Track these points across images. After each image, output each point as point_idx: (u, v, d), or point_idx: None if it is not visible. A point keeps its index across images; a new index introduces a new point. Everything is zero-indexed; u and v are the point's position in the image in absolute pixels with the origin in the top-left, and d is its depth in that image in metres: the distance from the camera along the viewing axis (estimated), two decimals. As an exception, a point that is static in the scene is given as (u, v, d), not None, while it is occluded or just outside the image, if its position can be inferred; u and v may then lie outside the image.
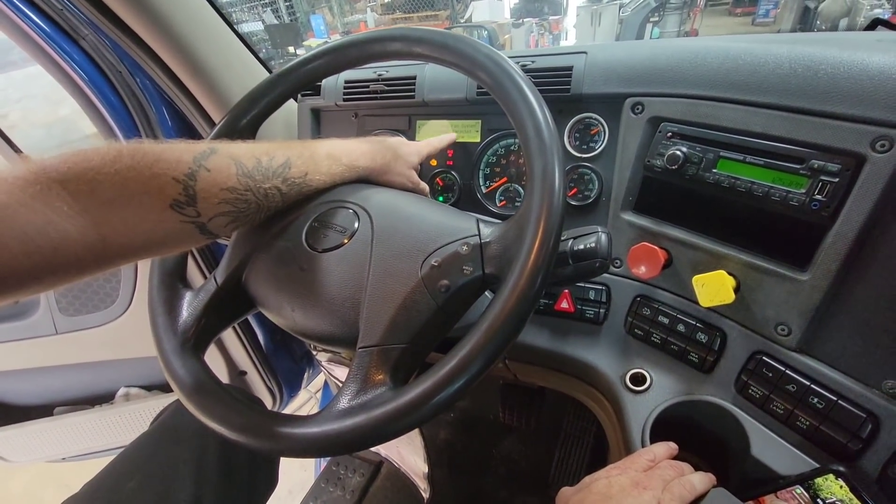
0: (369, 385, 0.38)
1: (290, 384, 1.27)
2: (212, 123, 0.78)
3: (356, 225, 0.46)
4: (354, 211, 0.47)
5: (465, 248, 0.41)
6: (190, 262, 0.95)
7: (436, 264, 0.41)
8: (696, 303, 0.52)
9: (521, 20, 6.65)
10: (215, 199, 0.40)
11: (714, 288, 0.48)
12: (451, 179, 0.71)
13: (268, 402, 1.26)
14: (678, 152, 0.51)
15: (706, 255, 0.52)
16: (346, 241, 0.45)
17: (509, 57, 0.45)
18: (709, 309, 0.52)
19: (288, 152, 0.46)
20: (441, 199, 0.72)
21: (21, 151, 0.95)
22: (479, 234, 0.42)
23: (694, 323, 0.54)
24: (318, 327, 0.44)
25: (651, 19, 6.38)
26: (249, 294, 0.49)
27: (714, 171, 0.49)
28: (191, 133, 0.85)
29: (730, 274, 0.49)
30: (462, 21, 6.81)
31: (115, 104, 0.83)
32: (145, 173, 0.36)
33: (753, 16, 7.83)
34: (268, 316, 0.48)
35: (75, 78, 0.82)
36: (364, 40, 0.50)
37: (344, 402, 0.37)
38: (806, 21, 5.77)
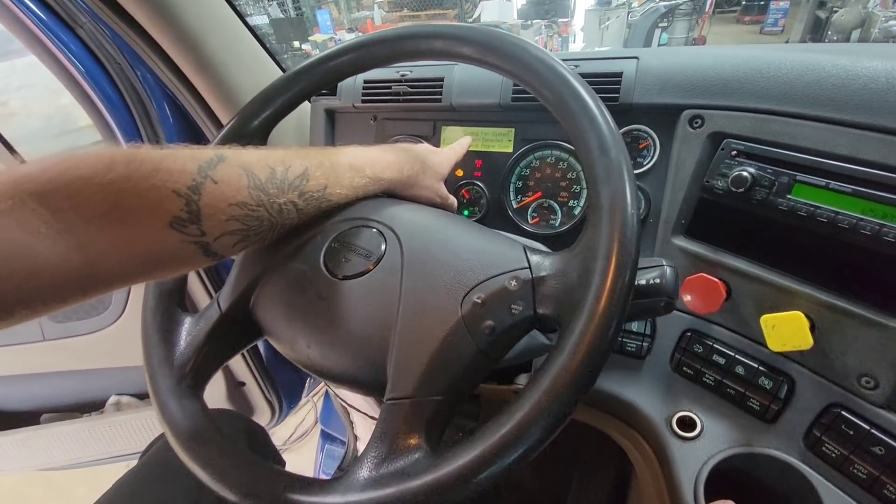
0: (401, 448, 0.32)
1: (290, 396, 1.21)
2: (218, 124, 0.72)
3: (383, 248, 0.40)
4: (380, 231, 0.41)
5: (513, 283, 0.35)
6: (193, 278, 0.88)
7: (479, 301, 0.35)
8: (759, 343, 0.47)
9: (529, 22, 6.60)
10: (222, 215, 0.34)
11: (788, 331, 0.43)
12: (479, 192, 0.65)
13: (266, 414, 1.20)
14: (745, 174, 0.45)
15: (773, 291, 0.46)
16: (371, 267, 0.39)
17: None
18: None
19: (306, 162, 0.40)
20: (466, 213, 0.66)
21: (16, 152, 0.89)
22: (530, 267, 0.36)
23: (756, 366, 0.48)
24: (337, 367, 0.38)
25: (660, 24, 6.35)
26: (257, 321, 0.43)
27: (788, 196, 0.44)
28: (195, 132, 0.78)
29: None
30: (470, 21, 6.75)
31: (113, 99, 0.76)
32: (142, 185, 0.31)
33: (762, 24, 7.80)
34: (277, 348, 0.42)
35: (71, 69, 0.76)
36: (396, 37, 0.44)
37: (371, 469, 0.31)
38: (816, 31, 5.73)
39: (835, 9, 5.09)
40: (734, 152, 0.48)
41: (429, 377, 0.34)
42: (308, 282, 0.40)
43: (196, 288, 0.90)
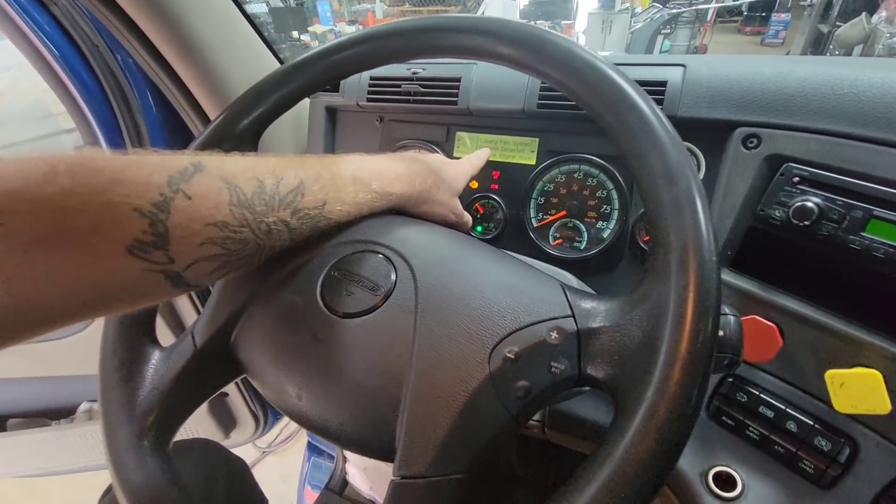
0: None
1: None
2: (205, 118, 0.65)
3: (392, 278, 0.34)
4: (388, 258, 0.35)
5: (554, 334, 0.29)
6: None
7: (511, 356, 0.29)
8: (816, 396, 0.41)
9: (532, 23, 6.54)
10: (197, 238, 0.28)
11: (860, 391, 0.37)
12: (494, 207, 0.59)
13: (250, 426, 1.13)
14: (810, 204, 0.39)
15: (836, 341, 0.40)
16: (378, 303, 0.33)
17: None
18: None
19: (301, 173, 0.34)
20: (479, 229, 0.60)
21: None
22: (574, 315, 0.30)
23: (811, 423, 0.42)
24: (334, 425, 0.32)
25: (662, 31, 6.33)
26: (238, 360, 0.36)
27: (862, 234, 0.38)
28: (182, 124, 0.71)
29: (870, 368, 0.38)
30: (472, 19, 6.66)
31: (89, 85, 0.69)
32: (93, 201, 0.24)
33: (763, 36, 7.82)
34: (262, 393, 0.36)
35: (43, 51, 0.68)
36: (415, 29, 0.37)
37: None
38: (818, 45, 5.74)
39: (837, 23, 5.08)
40: (796, 179, 0.42)
41: (448, 450, 0.28)
42: (301, 318, 0.34)
43: (182, 302, 0.82)
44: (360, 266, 0.35)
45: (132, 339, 0.37)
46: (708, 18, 7.12)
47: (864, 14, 4.17)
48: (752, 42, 8.11)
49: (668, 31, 6.46)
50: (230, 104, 0.42)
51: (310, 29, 6.24)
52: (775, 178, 0.43)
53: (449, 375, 0.29)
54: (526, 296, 0.31)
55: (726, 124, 0.46)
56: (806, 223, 0.40)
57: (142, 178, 0.26)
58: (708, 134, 0.47)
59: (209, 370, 0.37)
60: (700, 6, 6.53)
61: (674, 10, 6.32)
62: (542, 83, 0.53)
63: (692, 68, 0.47)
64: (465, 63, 0.58)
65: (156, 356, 0.37)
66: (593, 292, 0.34)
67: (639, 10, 6.92)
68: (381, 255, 0.35)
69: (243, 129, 0.42)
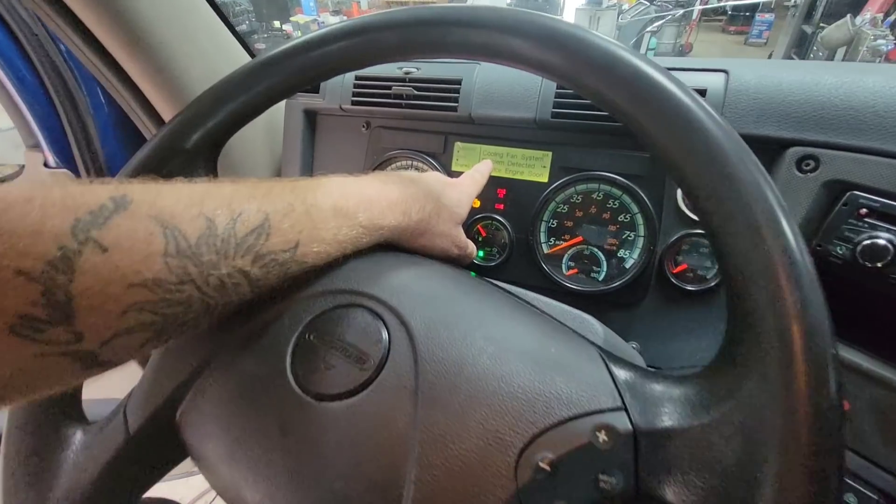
0: None
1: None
2: (160, 122, 0.55)
3: (383, 342, 0.26)
4: (378, 315, 0.27)
5: (602, 436, 0.22)
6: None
7: (546, 466, 0.21)
8: (881, 467, 0.35)
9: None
10: (116, 305, 0.20)
11: (949, 473, 0.31)
12: (498, 229, 0.51)
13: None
14: (882, 242, 0.33)
15: (909, 402, 0.34)
16: (368, 379, 0.25)
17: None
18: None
19: (266, 205, 0.26)
20: (481, 254, 0.52)
21: None
22: (627, 408, 0.22)
23: (874, 497, 0.36)
24: None
25: (649, 29, 6.34)
26: (185, 445, 0.28)
27: (950, 281, 0.32)
28: (135, 128, 0.61)
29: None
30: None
31: (26, 81, 0.59)
32: None
33: (746, 35, 7.90)
34: (214, 490, 0.28)
35: (-28, 38, 0.58)
36: (415, 20, 0.29)
37: None
38: (802, 46, 5.79)
39: (822, 24, 5.11)
40: (863, 210, 0.35)
41: None
42: (265, 399, 0.26)
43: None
44: (342, 326, 0.27)
45: (45, 420, 0.28)
46: (693, 17, 7.18)
47: (848, 16, 4.19)
48: (736, 42, 8.18)
49: (656, 28, 6.48)
50: (180, 112, 0.33)
51: (292, 19, 6.06)
52: (837, 208, 0.36)
53: (462, 490, 0.22)
54: (561, 374, 0.24)
55: (777, 142, 0.39)
56: (878, 264, 0.33)
57: (31, 225, 0.18)
58: (755, 153, 0.41)
59: (146, 458, 0.29)
60: (686, 6, 6.56)
61: (662, 11, 6.33)
62: (559, 88, 0.45)
63: (736, 75, 0.40)
64: (467, 63, 0.50)
65: (77, 439, 0.28)
66: (641, 363, 0.27)
67: (626, 6, 6.92)
68: (368, 311, 0.27)
69: (197, 143, 0.33)
